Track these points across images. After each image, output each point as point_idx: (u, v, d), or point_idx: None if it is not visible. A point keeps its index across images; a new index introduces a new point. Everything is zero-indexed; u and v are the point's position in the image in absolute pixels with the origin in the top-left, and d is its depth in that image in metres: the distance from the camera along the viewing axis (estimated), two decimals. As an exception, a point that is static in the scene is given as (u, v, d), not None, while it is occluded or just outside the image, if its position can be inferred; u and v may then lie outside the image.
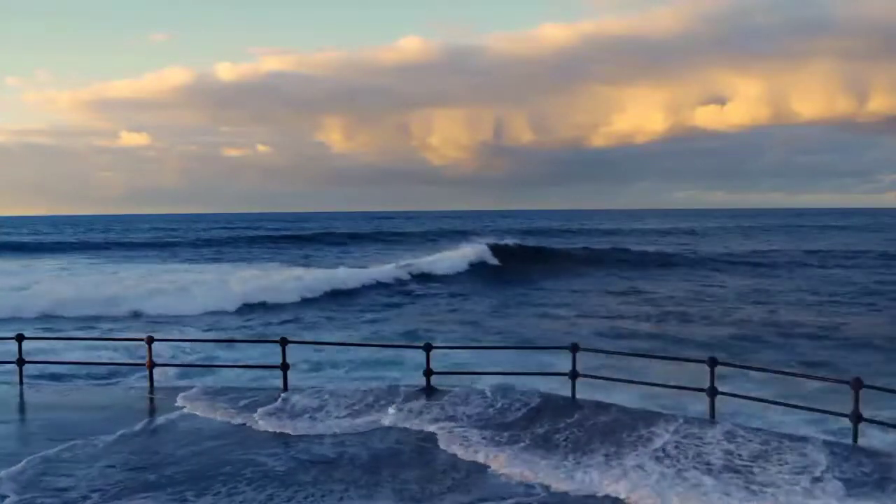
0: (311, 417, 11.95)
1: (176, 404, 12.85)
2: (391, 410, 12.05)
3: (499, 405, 12.25)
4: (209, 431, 11.30)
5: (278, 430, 11.35)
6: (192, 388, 14.03)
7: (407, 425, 11.40)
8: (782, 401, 12.24)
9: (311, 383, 15.10)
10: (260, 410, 12.27)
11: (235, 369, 17.07)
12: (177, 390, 13.92)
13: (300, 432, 11.20)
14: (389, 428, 11.34)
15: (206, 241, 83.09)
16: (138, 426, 11.52)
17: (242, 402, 12.81)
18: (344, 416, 11.92)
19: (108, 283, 37.04)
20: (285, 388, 13.66)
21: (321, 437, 10.99)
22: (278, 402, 12.76)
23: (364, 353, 19.58)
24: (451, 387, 13.46)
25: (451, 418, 11.62)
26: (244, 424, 11.70)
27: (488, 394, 12.84)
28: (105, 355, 19.20)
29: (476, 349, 20.53)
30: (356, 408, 12.33)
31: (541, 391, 13.24)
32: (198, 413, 12.34)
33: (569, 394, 12.82)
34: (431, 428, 11.18)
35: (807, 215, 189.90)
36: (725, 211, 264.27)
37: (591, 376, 13.19)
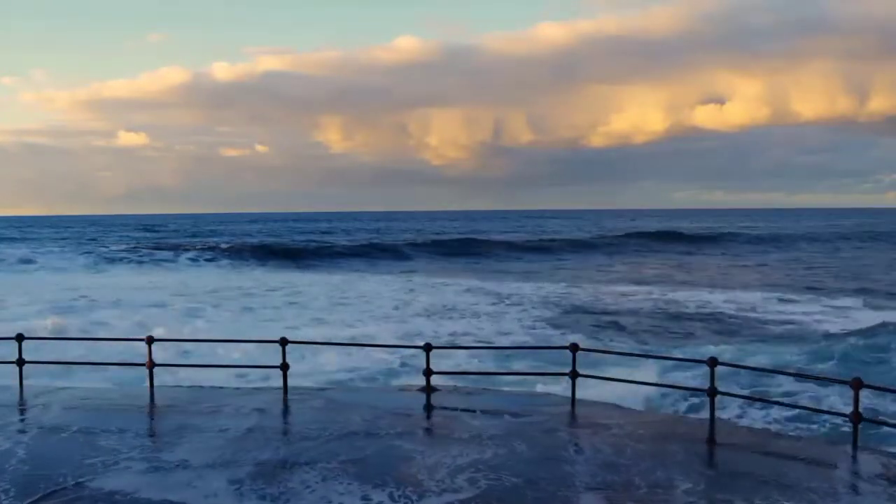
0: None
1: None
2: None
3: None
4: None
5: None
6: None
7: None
8: (783, 400, 12.26)
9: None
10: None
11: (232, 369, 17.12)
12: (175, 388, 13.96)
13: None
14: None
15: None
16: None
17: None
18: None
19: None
20: (285, 389, 13.60)
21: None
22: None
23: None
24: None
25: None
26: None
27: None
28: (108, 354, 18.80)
29: (477, 349, 20.55)
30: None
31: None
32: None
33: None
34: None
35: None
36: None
37: (591, 376, 13.21)
